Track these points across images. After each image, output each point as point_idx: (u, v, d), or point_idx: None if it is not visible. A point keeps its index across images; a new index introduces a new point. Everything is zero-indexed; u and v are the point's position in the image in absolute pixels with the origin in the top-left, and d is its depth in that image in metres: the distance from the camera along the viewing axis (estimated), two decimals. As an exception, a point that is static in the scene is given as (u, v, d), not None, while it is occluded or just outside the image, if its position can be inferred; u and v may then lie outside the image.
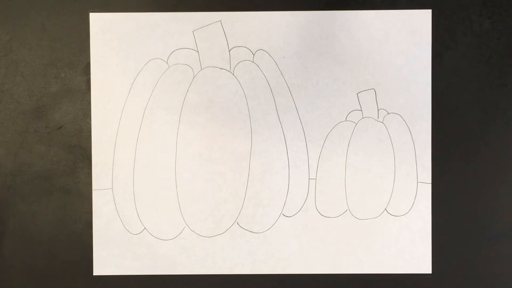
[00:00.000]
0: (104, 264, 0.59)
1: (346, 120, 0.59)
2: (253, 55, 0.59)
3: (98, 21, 0.58)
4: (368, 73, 0.59)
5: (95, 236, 0.59)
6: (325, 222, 0.59)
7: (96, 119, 0.59)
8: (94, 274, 0.59)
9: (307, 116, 0.59)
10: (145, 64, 0.58)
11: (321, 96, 0.59)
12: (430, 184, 0.59)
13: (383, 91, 0.59)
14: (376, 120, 0.59)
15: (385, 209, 0.59)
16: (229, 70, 0.59)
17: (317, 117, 0.59)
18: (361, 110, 0.59)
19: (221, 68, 0.59)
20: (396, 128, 0.59)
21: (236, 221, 0.59)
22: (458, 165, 0.59)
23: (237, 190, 0.59)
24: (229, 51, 0.59)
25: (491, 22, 0.59)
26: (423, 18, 0.59)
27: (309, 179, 0.59)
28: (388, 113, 0.59)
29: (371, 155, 0.59)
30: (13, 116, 0.59)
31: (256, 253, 0.59)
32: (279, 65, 0.59)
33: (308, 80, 0.59)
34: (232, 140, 0.59)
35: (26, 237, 0.59)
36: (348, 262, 0.59)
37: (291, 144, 0.59)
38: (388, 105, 0.59)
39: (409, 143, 0.59)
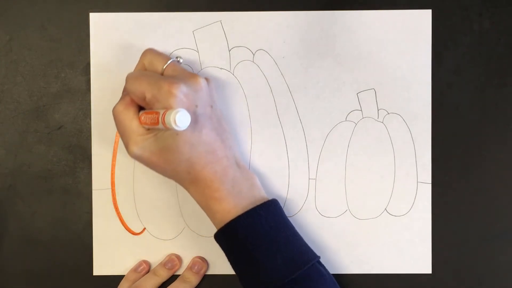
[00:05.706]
0: (104, 264, 0.59)
1: (346, 120, 0.59)
2: (253, 55, 0.59)
3: (98, 21, 0.58)
4: (368, 73, 0.59)
5: (95, 236, 0.59)
6: (325, 222, 0.59)
7: (96, 119, 0.59)
8: (94, 274, 0.59)
9: (307, 116, 0.59)
10: (145, 64, 0.58)
11: (321, 96, 0.59)
12: (430, 184, 0.59)
13: (383, 91, 0.59)
14: (376, 120, 0.59)
15: (385, 209, 0.59)
16: (229, 70, 0.59)
17: (317, 117, 0.59)
18: (361, 110, 0.59)
19: (221, 68, 0.59)
20: (396, 128, 0.59)
21: (236, 221, 0.59)
22: (458, 165, 0.59)
23: (237, 190, 0.58)
24: (229, 51, 0.59)
25: (491, 22, 0.59)
26: (423, 18, 0.58)
27: (309, 179, 0.59)
28: (388, 113, 0.59)
29: (371, 155, 0.59)
30: (13, 116, 0.59)
31: (256, 253, 0.59)
32: (279, 65, 0.59)
33: (308, 80, 0.59)
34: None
35: (26, 237, 0.59)
36: (348, 262, 0.59)
37: (291, 144, 0.59)
38: (388, 105, 0.59)
39: (409, 143, 0.59)
